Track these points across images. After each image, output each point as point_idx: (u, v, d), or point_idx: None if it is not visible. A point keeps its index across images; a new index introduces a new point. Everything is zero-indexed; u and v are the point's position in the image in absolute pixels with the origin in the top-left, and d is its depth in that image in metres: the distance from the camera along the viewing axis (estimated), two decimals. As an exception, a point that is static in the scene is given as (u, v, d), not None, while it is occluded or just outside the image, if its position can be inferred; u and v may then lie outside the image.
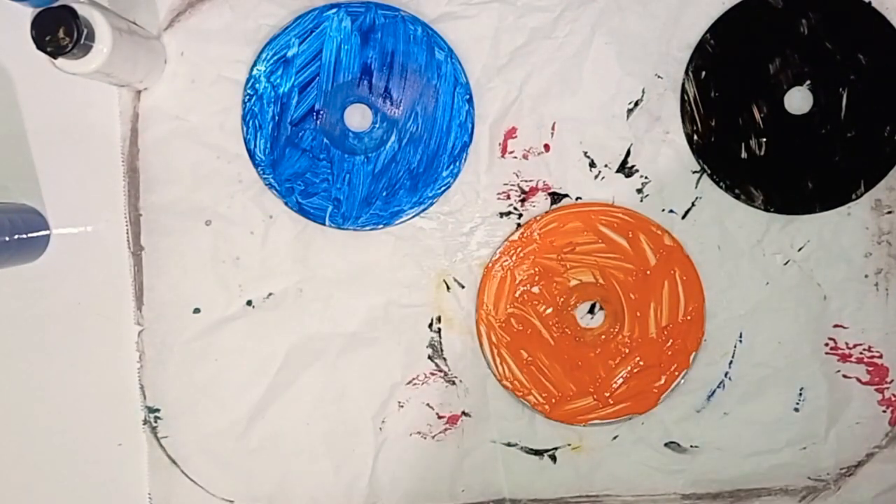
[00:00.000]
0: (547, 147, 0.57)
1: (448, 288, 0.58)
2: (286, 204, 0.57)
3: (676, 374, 0.57)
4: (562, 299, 0.57)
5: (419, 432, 0.58)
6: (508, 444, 0.58)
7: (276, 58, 0.56)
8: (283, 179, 0.57)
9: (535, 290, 0.57)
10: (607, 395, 0.57)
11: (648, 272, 0.56)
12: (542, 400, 0.57)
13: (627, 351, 0.57)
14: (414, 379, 0.58)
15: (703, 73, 0.56)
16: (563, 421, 0.57)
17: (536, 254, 0.57)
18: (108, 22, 0.48)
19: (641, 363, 0.57)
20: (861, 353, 0.57)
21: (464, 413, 0.58)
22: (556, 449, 0.58)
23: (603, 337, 0.57)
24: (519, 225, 0.57)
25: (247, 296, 0.58)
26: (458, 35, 0.56)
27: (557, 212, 0.57)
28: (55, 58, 0.47)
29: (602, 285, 0.57)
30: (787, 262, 0.57)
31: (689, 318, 0.57)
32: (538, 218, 0.57)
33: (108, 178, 0.57)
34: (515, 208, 0.57)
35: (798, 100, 0.56)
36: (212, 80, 0.57)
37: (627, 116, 0.57)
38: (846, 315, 0.57)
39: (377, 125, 0.56)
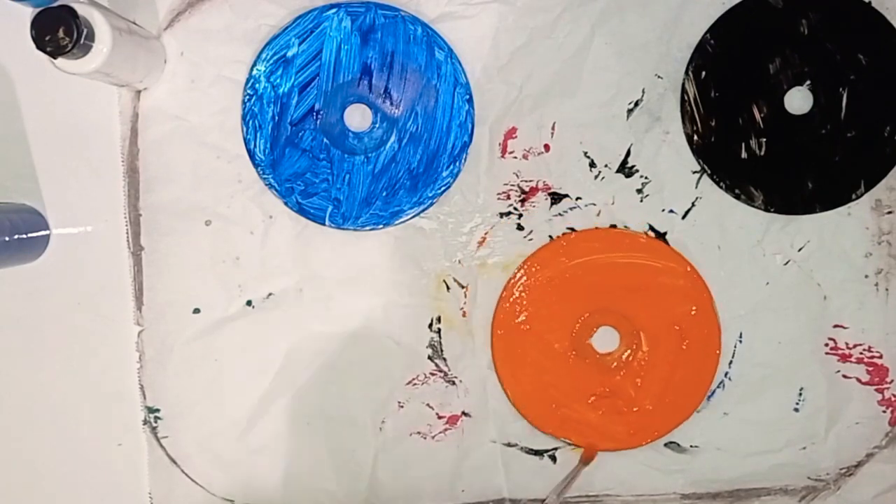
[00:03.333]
0: (547, 147, 0.57)
1: (448, 288, 0.58)
2: (286, 204, 0.57)
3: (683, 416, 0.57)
4: (578, 323, 0.57)
5: (419, 432, 0.58)
6: (508, 445, 0.58)
7: (276, 58, 0.56)
8: (282, 179, 0.57)
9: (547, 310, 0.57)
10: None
11: (667, 307, 0.56)
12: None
13: (642, 377, 0.57)
14: (414, 379, 0.58)
15: (703, 73, 0.56)
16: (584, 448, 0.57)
17: (554, 274, 0.57)
18: (108, 22, 0.48)
19: (655, 391, 0.57)
20: (861, 354, 0.57)
21: (464, 413, 0.58)
22: (556, 449, 0.58)
23: (615, 364, 0.57)
24: (520, 227, 0.57)
25: (247, 296, 0.58)
26: (458, 35, 0.56)
27: (581, 234, 0.57)
28: (55, 58, 0.47)
29: (618, 313, 0.57)
30: (787, 262, 0.57)
31: (703, 369, 0.56)
32: (559, 238, 0.57)
33: (108, 178, 0.57)
34: (515, 208, 0.57)
35: (798, 100, 0.56)
36: (212, 80, 0.57)
37: (627, 116, 0.57)
38: (846, 315, 0.57)
39: (377, 125, 0.56)
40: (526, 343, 0.57)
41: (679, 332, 0.56)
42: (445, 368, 0.58)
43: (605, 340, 0.57)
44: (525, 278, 0.57)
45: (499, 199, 0.57)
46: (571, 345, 0.57)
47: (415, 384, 0.58)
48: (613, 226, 0.57)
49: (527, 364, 0.57)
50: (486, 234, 0.57)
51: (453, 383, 0.58)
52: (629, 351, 0.57)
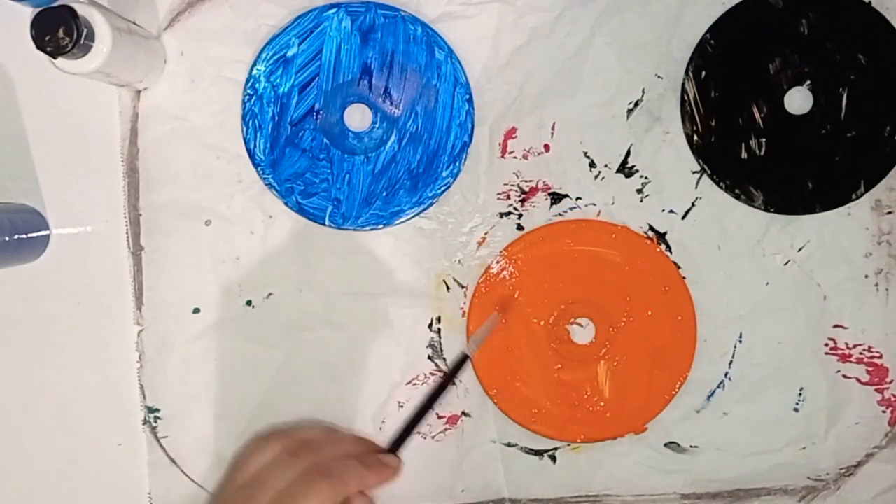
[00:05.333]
0: (547, 147, 0.57)
1: (448, 288, 0.58)
2: (286, 204, 0.57)
3: (662, 399, 0.57)
4: (553, 315, 0.57)
5: (419, 432, 0.58)
6: (508, 445, 0.58)
7: (276, 58, 0.56)
8: (282, 179, 0.57)
9: (526, 301, 0.57)
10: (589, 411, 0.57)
11: (640, 291, 0.56)
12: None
13: (613, 370, 0.57)
14: (414, 379, 0.58)
15: (703, 73, 0.56)
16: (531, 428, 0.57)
17: (529, 266, 0.57)
18: (108, 22, 0.48)
19: (626, 384, 0.57)
20: (861, 354, 0.57)
21: (464, 413, 0.58)
22: (556, 449, 0.58)
23: (583, 357, 0.57)
24: (520, 227, 0.57)
25: (247, 296, 0.58)
26: (458, 35, 0.56)
27: (550, 226, 0.57)
28: (55, 58, 0.47)
29: (602, 311, 0.56)
30: (787, 262, 0.57)
31: (678, 356, 0.56)
32: (530, 232, 0.57)
33: (108, 178, 0.57)
34: (515, 208, 0.57)
35: (798, 100, 0.56)
36: (212, 80, 0.57)
37: (627, 116, 0.57)
38: (846, 315, 0.57)
39: (377, 125, 0.56)
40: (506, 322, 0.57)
41: (653, 351, 0.56)
42: (445, 368, 0.58)
43: (582, 332, 0.57)
44: (525, 246, 0.57)
45: (499, 199, 0.57)
46: (548, 324, 0.57)
47: (415, 384, 0.58)
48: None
49: (498, 328, 0.57)
50: (486, 234, 0.57)
51: (453, 383, 0.58)
52: (602, 350, 0.57)
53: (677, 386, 0.57)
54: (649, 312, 0.56)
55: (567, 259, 0.57)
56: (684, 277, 0.57)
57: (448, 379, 0.53)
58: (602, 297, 0.57)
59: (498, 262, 0.57)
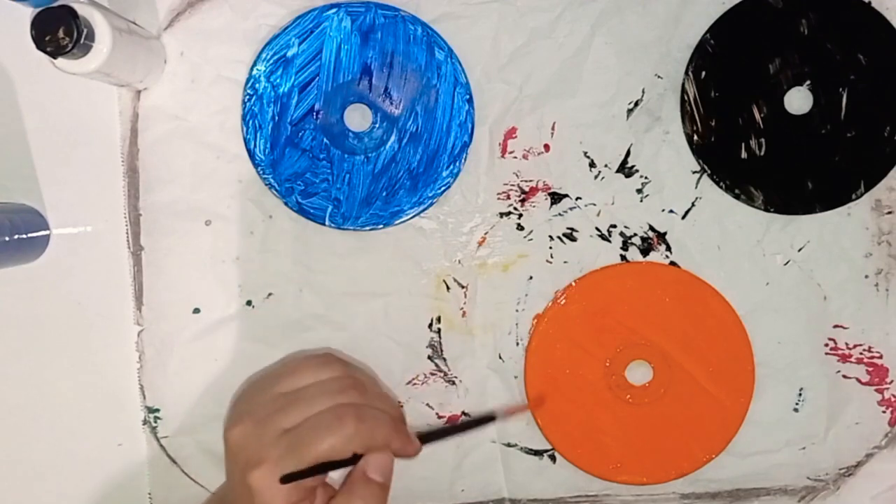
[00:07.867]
0: (547, 147, 0.57)
1: (448, 288, 0.58)
2: (286, 204, 0.57)
3: (737, 418, 0.57)
4: (609, 359, 0.56)
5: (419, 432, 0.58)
6: (508, 445, 0.58)
7: (275, 58, 0.56)
8: (282, 179, 0.57)
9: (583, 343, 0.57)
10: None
11: (690, 325, 0.56)
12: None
13: (680, 403, 0.56)
14: (414, 379, 0.58)
15: (703, 73, 0.56)
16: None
17: (587, 308, 0.56)
18: (108, 22, 0.48)
19: (692, 416, 0.57)
20: (861, 354, 0.57)
21: (464, 413, 0.58)
22: (555, 449, 0.58)
23: (646, 400, 0.56)
24: (520, 226, 0.57)
25: (247, 296, 0.58)
26: (458, 35, 0.56)
27: (610, 269, 0.57)
28: (55, 58, 0.47)
29: (650, 345, 0.56)
30: (787, 262, 0.57)
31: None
32: (592, 273, 0.57)
33: (108, 178, 0.57)
34: (515, 208, 0.57)
35: (798, 100, 0.56)
36: (212, 80, 0.57)
37: (627, 116, 0.57)
38: (846, 315, 0.57)
39: (377, 125, 0.56)
40: (562, 370, 0.57)
41: (713, 378, 0.56)
42: (445, 368, 0.58)
43: (638, 374, 0.57)
44: (564, 302, 0.57)
45: (499, 199, 0.57)
46: (606, 372, 0.56)
47: (415, 384, 0.58)
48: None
49: (556, 388, 0.57)
50: (486, 234, 0.57)
51: (453, 383, 0.58)
52: (664, 387, 0.56)
53: (748, 404, 0.56)
54: (702, 343, 0.56)
55: (615, 304, 0.56)
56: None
57: (483, 421, 0.54)
58: (654, 337, 0.56)
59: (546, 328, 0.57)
